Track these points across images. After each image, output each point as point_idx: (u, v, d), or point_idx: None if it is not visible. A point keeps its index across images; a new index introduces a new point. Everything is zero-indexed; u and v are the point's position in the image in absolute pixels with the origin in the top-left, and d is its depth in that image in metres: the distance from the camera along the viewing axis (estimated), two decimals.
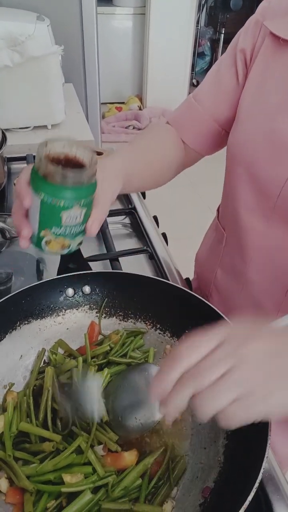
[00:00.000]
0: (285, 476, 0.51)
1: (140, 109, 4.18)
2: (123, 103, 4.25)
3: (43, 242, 0.48)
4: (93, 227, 0.49)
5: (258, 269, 0.68)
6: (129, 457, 0.48)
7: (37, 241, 0.48)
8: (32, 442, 0.50)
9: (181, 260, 0.95)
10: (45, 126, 1.35)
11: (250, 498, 0.38)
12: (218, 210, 0.81)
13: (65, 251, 0.50)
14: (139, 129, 3.91)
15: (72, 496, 0.44)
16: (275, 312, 0.68)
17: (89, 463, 0.47)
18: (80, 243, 0.50)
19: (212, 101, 0.71)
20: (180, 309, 0.61)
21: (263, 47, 0.62)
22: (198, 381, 0.35)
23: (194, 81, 4.97)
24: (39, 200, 0.44)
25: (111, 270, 0.76)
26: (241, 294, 0.74)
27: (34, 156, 1.16)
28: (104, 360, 0.58)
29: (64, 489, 0.45)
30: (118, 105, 4.16)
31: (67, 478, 0.46)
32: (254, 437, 0.45)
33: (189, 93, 0.79)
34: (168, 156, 0.73)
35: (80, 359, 0.57)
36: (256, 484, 0.39)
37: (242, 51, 0.65)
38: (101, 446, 0.49)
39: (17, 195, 0.47)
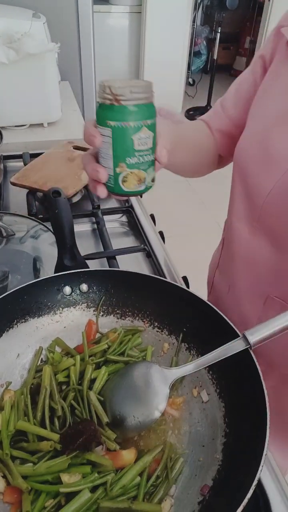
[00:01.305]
0: (283, 474, 0.51)
1: None
2: None
3: (120, 181, 0.48)
4: (163, 154, 0.49)
5: (242, 276, 0.70)
6: (128, 455, 0.48)
7: (114, 183, 0.48)
8: (29, 441, 0.49)
9: (178, 258, 0.95)
10: (41, 124, 1.35)
11: (249, 495, 0.38)
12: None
13: (142, 187, 0.50)
14: None
15: (71, 495, 0.44)
16: (256, 320, 0.69)
17: (87, 463, 0.47)
18: (153, 180, 0.51)
19: (233, 107, 0.72)
20: (178, 307, 0.61)
21: (277, 54, 0.62)
22: None
23: (190, 80, 4.97)
24: (110, 131, 0.45)
25: (108, 268, 0.76)
26: (229, 297, 0.75)
27: (30, 154, 1.15)
28: (102, 359, 0.58)
29: (62, 489, 0.44)
30: None
31: (65, 478, 0.45)
32: (252, 434, 0.45)
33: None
34: (209, 149, 0.76)
35: (78, 357, 0.57)
36: (255, 482, 0.39)
37: (262, 57, 0.66)
38: (100, 446, 0.49)
39: (88, 139, 0.46)
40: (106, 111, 0.45)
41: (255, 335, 0.48)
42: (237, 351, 0.49)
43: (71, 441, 0.47)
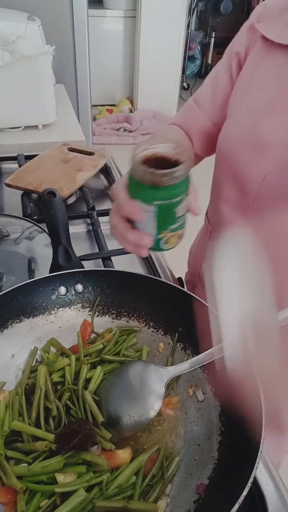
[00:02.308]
0: (278, 472, 0.51)
1: (131, 111, 4.19)
2: (114, 105, 4.25)
3: (161, 243, 0.49)
4: (196, 207, 0.50)
5: None
6: (123, 455, 0.48)
7: (156, 245, 0.49)
8: (24, 441, 0.49)
9: (174, 259, 0.95)
10: (36, 126, 1.35)
11: (244, 493, 0.38)
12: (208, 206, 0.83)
13: (180, 241, 0.51)
14: (130, 131, 3.91)
15: (66, 495, 0.44)
16: None
17: (82, 463, 0.47)
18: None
19: (210, 104, 0.73)
20: (173, 307, 0.61)
21: (253, 49, 0.64)
22: None
23: (185, 84, 4.99)
24: (155, 208, 0.44)
25: (103, 268, 0.76)
26: None
27: (25, 156, 1.15)
28: (97, 359, 0.58)
29: (57, 489, 0.44)
30: (109, 108, 4.16)
31: (60, 478, 0.45)
32: (248, 433, 0.45)
33: (180, 96, 0.83)
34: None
35: (73, 357, 0.57)
36: (251, 480, 0.39)
37: (237, 54, 0.68)
38: (96, 446, 0.48)
39: (128, 214, 0.46)
40: (150, 191, 0.43)
41: None
42: None
43: (67, 441, 0.47)
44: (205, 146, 0.78)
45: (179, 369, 0.51)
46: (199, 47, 5.08)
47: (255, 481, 0.49)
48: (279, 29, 0.60)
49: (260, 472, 0.50)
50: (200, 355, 0.50)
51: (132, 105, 4.28)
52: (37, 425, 0.50)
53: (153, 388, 0.50)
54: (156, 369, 0.52)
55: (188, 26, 4.48)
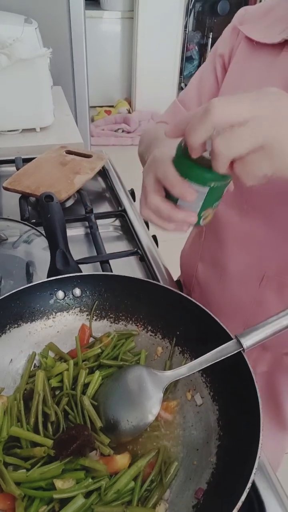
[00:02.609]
0: (276, 475, 0.51)
1: (129, 112, 4.19)
2: (112, 106, 4.25)
3: (202, 219, 0.50)
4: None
5: (235, 260, 0.71)
6: (122, 460, 0.48)
7: (197, 222, 0.50)
8: (22, 447, 0.49)
9: (172, 262, 0.95)
10: (33, 129, 1.35)
11: (243, 498, 0.38)
12: None
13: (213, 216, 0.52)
14: (128, 132, 3.91)
15: (64, 501, 0.44)
16: (250, 305, 0.70)
17: (80, 469, 0.47)
18: None
19: (196, 105, 0.74)
20: (171, 311, 0.61)
21: (238, 51, 0.65)
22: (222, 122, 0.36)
23: (183, 85, 4.99)
24: (208, 189, 0.45)
25: (101, 272, 0.76)
26: (219, 286, 0.76)
27: (22, 159, 1.15)
28: (96, 363, 0.58)
29: (56, 495, 0.44)
30: (107, 109, 4.16)
31: (58, 484, 0.45)
32: (246, 437, 0.45)
33: (178, 97, 0.81)
34: None
35: (71, 362, 0.57)
36: (249, 484, 0.39)
37: (221, 56, 0.69)
38: (94, 451, 0.48)
39: (178, 194, 0.46)
40: (208, 174, 0.44)
41: (247, 338, 0.48)
42: (230, 354, 0.49)
43: (65, 447, 0.47)
44: None
45: (177, 374, 0.51)
46: (196, 48, 5.08)
47: (254, 487, 0.49)
48: (262, 29, 0.61)
49: (259, 478, 0.50)
50: (198, 359, 0.50)
51: (130, 106, 4.28)
52: (36, 430, 0.50)
53: (151, 392, 0.50)
54: (154, 373, 0.52)
55: (186, 27, 4.48)
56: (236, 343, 0.49)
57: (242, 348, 0.48)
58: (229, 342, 0.49)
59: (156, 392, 0.50)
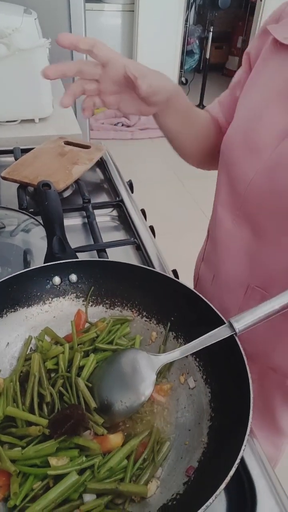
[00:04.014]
0: (273, 466, 0.52)
1: None
2: None
3: None
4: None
5: (225, 265, 0.72)
6: (115, 439, 0.49)
7: None
8: (18, 427, 0.50)
9: (168, 253, 0.96)
10: (32, 120, 1.35)
11: (231, 473, 0.39)
12: None
13: None
14: (128, 126, 3.91)
15: (58, 477, 0.45)
16: (234, 313, 0.70)
17: (75, 447, 0.48)
18: None
19: (228, 107, 0.75)
20: (166, 297, 0.62)
21: (264, 50, 0.64)
22: None
23: (183, 79, 4.98)
24: None
25: (97, 259, 0.77)
26: (211, 289, 0.78)
27: (21, 150, 1.15)
28: (91, 347, 0.59)
29: (50, 472, 0.45)
30: None
31: (53, 461, 0.46)
32: (236, 417, 0.46)
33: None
34: (207, 128, 0.76)
35: (67, 345, 0.57)
36: (238, 461, 0.40)
37: (247, 54, 0.69)
38: (88, 431, 0.50)
39: None
40: None
41: (240, 322, 0.49)
42: (223, 338, 0.50)
43: (59, 426, 0.48)
44: None
45: (170, 357, 0.52)
46: (197, 41, 5.07)
47: (246, 470, 0.50)
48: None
49: (250, 460, 0.51)
50: (191, 342, 0.51)
51: None
52: (31, 411, 0.51)
53: (144, 375, 0.51)
54: (148, 356, 0.53)
55: (187, 20, 4.47)
56: (229, 327, 0.50)
57: (234, 332, 0.49)
58: (221, 326, 0.50)
59: (149, 374, 0.51)
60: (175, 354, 0.52)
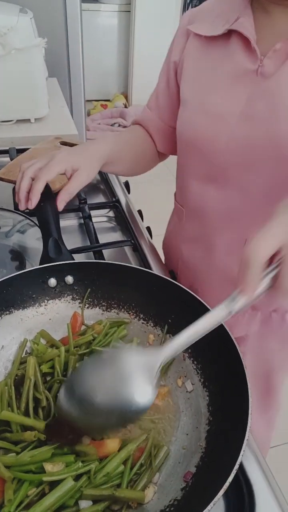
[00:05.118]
0: (265, 459, 0.52)
1: (125, 107, 4.17)
2: (108, 100, 4.23)
3: None
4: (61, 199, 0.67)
5: (219, 233, 0.73)
6: (112, 444, 0.48)
7: None
8: (13, 431, 0.49)
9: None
10: (28, 120, 1.34)
11: (230, 479, 0.39)
12: (175, 194, 0.88)
13: None
14: (124, 126, 3.90)
15: (54, 484, 0.44)
16: (237, 272, 0.71)
17: (70, 453, 0.47)
18: None
19: (159, 106, 0.83)
20: (163, 299, 0.61)
21: (190, 50, 0.71)
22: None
23: None
24: None
25: (94, 260, 0.76)
26: (206, 261, 0.78)
27: (16, 150, 1.14)
28: (87, 350, 0.58)
29: (45, 478, 0.44)
30: (104, 103, 4.14)
31: (48, 467, 0.45)
32: (235, 421, 0.45)
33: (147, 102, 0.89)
34: (147, 149, 0.86)
35: (63, 348, 0.57)
36: (236, 466, 0.40)
37: (174, 63, 0.75)
38: (85, 436, 0.49)
39: None
40: None
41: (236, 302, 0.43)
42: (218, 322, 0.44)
43: (57, 432, 0.47)
44: (165, 143, 0.86)
45: (172, 348, 0.45)
46: None
47: (244, 473, 0.49)
48: (208, 25, 0.66)
49: (248, 462, 0.50)
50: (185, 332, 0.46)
51: (127, 101, 4.26)
52: (26, 415, 0.50)
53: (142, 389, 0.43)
54: (145, 358, 0.48)
55: None
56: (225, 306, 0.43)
57: (229, 312, 0.42)
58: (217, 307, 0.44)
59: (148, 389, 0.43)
60: (178, 341, 0.45)
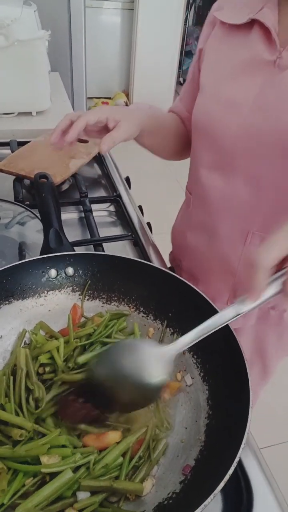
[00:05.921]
0: (261, 453, 0.51)
1: (126, 105, 4.16)
2: (110, 98, 4.22)
3: None
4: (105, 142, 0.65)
5: (222, 221, 0.74)
6: (113, 435, 0.47)
7: None
8: (7, 425, 0.48)
9: (165, 251, 0.95)
10: (29, 113, 1.33)
11: (230, 472, 0.38)
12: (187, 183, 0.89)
13: None
14: None
15: (52, 474, 0.43)
16: (237, 262, 0.75)
17: (67, 445, 0.46)
18: None
19: (184, 96, 0.84)
20: (164, 292, 0.61)
21: (211, 36, 0.71)
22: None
23: (181, 79, 4.97)
24: None
25: (95, 252, 0.76)
26: (208, 249, 0.80)
27: (17, 142, 1.14)
28: (88, 341, 0.57)
29: (44, 470, 0.44)
30: (105, 100, 4.13)
31: (44, 459, 0.45)
32: (235, 415, 0.45)
33: (175, 91, 0.92)
34: (180, 134, 0.87)
35: (62, 339, 0.56)
36: (236, 459, 0.39)
37: (199, 51, 0.76)
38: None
39: None
40: None
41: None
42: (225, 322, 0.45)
43: (69, 408, 0.49)
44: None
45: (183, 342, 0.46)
46: (196, 42, 5.06)
47: (242, 467, 0.49)
48: (234, 13, 0.66)
49: (246, 457, 0.50)
50: (186, 335, 0.46)
51: (128, 99, 4.25)
52: (19, 406, 0.49)
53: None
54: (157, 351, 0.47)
55: (186, 21, 4.46)
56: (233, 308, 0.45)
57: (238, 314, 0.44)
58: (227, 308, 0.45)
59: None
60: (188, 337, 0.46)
